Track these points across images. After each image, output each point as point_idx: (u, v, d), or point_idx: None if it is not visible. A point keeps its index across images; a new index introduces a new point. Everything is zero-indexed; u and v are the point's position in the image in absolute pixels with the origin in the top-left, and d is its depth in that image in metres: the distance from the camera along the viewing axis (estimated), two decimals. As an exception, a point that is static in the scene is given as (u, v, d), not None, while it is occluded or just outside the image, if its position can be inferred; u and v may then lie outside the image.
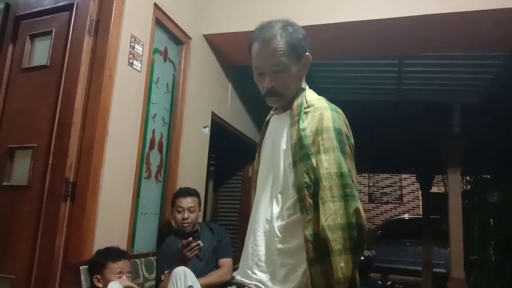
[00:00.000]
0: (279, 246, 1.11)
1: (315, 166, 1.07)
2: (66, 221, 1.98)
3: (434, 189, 7.76)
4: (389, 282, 4.21)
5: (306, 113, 1.16)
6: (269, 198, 1.18)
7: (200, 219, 2.65)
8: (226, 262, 2.40)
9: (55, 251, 1.93)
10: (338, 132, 1.10)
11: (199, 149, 3.16)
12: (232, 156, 5.04)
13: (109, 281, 1.70)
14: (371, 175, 12.11)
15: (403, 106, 5.06)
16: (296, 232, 1.08)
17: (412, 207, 11.87)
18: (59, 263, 1.93)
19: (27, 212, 2.05)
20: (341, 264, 0.96)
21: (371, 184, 12.36)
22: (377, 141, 5.28)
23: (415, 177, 8.73)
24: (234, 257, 2.39)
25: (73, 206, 2.00)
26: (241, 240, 4.73)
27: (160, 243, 2.47)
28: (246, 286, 1.13)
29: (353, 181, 1.06)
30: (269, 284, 1.09)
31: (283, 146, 1.18)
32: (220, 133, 3.69)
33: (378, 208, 12.10)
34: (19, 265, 2.01)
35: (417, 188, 11.13)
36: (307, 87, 1.29)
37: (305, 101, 1.20)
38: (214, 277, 2.31)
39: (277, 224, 1.13)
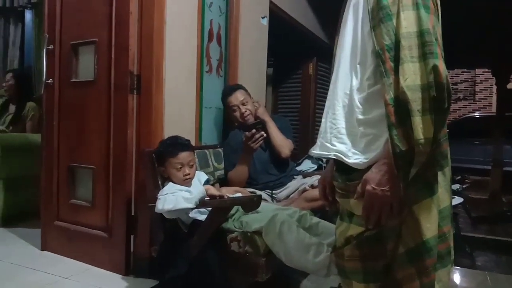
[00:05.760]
0: (360, 117, 1.06)
1: (395, 26, 0.99)
2: (135, 113, 2.03)
3: (511, 86, 7.09)
4: (459, 177, 4.09)
5: None
6: (347, 72, 1.13)
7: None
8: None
9: (127, 141, 2.00)
10: None
11: (258, 42, 3.00)
12: (291, 54, 4.82)
13: (171, 174, 1.72)
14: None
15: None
16: (377, 102, 1.02)
17: (483, 105, 11.09)
18: (133, 152, 2.02)
19: (98, 106, 2.12)
20: (420, 125, 0.93)
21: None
22: (449, 29, 4.72)
23: (490, 73, 7.97)
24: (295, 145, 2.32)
25: (140, 98, 2.03)
26: (302, 139, 4.75)
27: (225, 137, 2.49)
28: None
29: (436, 39, 0.97)
30: (349, 154, 1.06)
31: (361, 15, 1.10)
32: (280, 26, 3.47)
33: (447, 106, 11.46)
34: (97, 156, 2.13)
35: (490, 85, 10.28)
36: None
37: None
38: (279, 133, 2.31)
39: (357, 96, 1.08)
